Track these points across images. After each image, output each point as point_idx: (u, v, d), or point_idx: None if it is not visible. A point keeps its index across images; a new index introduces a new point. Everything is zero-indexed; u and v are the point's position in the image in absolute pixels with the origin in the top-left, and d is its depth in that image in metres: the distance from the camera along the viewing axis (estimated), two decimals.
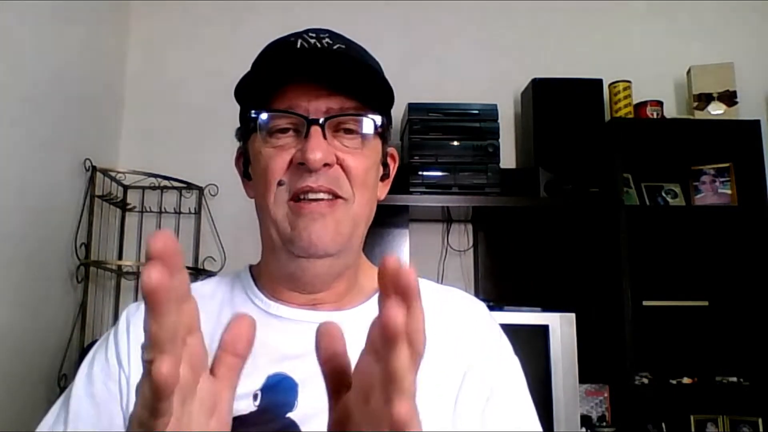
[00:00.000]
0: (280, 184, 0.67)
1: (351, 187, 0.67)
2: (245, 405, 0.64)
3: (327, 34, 0.70)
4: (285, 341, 0.68)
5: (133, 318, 0.73)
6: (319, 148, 0.64)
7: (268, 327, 0.70)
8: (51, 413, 0.70)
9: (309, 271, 0.69)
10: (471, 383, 0.69)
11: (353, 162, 0.67)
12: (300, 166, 0.66)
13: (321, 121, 0.66)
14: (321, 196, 0.66)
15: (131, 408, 0.66)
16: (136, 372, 0.68)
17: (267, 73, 0.68)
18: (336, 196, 0.66)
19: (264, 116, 0.67)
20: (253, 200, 0.74)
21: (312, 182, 0.65)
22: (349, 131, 0.68)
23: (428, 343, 0.70)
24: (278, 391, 0.65)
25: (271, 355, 0.67)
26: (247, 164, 0.74)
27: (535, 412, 0.72)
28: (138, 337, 0.71)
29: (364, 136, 0.68)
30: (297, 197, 0.66)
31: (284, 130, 0.67)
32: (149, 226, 2.22)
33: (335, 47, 0.68)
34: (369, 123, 0.69)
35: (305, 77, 0.66)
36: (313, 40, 0.68)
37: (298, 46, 0.68)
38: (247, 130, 0.71)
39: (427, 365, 0.68)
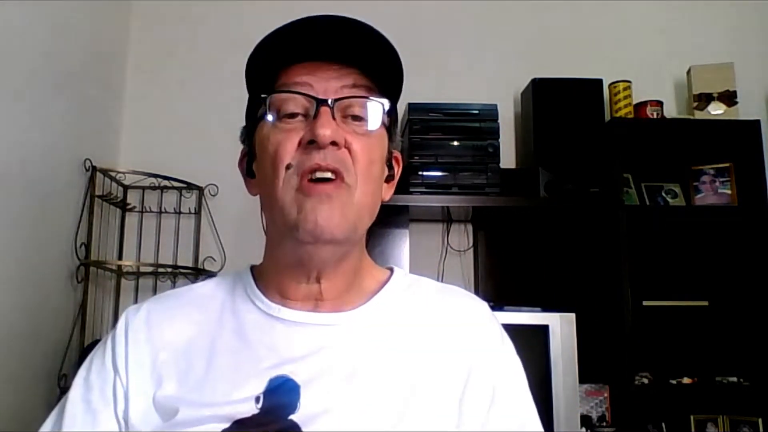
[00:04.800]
0: (288, 167, 0.66)
1: (355, 173, 0.67)
2: (247, 408, 0.64)
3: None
4: (287, 344, 0.69)
5: (132, 321, 0.73)
6: (328, 125, 0.65)
7: (270, 330, 0.70)
8: (51, 416, 0.71)
9: (315, 256, 0.69)
10: (474, 385, 0.69)
11: (359, 147, 0.68)
12: (309, 146, 0.66)
13: (330, 102, 0.66)
14: (328, 175, 0.66)
15: (129, 414, 0.66)
16: (133, 378, 0.68)
17: (275, 48, 0.68)
18: (341, 180, 0.66)
19: (273, 96, 0.68)
20: (254, 199, 0.75)
21: (320, 160, 0.65)
22: (356, 118, 0.68)
23: (430, 343, 0.71)
24: (280, 394, 0.65)
25: (273, 358, 0.67)
26: (251, 162, 0.74)
27: (537, 414, 0.72)
28: (137, 341, 0.71)
29: (370, 123, 0.69)
30: (304, 178, 0.66)
31: (293, 115, 0.68)
32: (149, 226, 2.22)
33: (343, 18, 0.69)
34: (376, 107, 0.69)
35: (313, 51, 0.67)
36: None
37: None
38: (254, 119, 0.72)
39: (429, 366, 0.69)
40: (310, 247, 0.68)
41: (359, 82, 0.68)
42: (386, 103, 0.70)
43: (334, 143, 0.65)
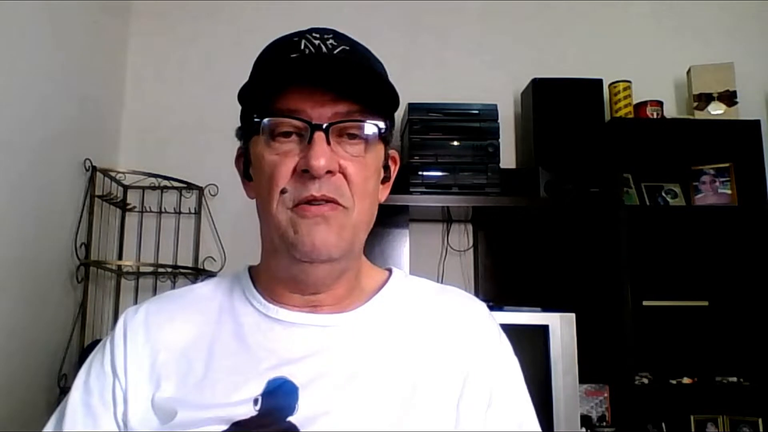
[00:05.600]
0: (283, 192, 0.66)
1: (351, 195, 0.67)
2: (245, 410, 0.64)
3: (331, 35, 0.69)
4: (285, 345, 0.69)
5: (131, 323, 0.73)
6: (323, 155, 0.64)
7: (269, 331, 0.70)
8: (51, 420, 0.71)
9: (311, 275, 0.69)
10: (472, 387, 0.69)
11: (355, 170, 0.67)
12: (303, 174, 0.65)
13: (324, 126, 0.65)
14: (322, 203, 0.66)
15: (128, 418, 0.66)
16: (132, 380, 0.68)
17: (270, 77, 0.67)
18: (337, 203, 0.66)
19: (266, 120, 0.67)
20: (253, 201, 0.74)
21: (315, 191, 0.65)
22: (352, 136, 0.68)
23: (429, 344, 0.71)
24: (279, 396, 0.65)
25: (271, 360, 0.67)
26: (247, 165, 0.73)
27: (535, 413, 0.72)
28: (135, 343, 0.71)
29: (367, 142, 0.68)
30: (299, 204, 0.66)
31: (287, 134, 0.67)
32: (149, 226, 2.22)
33: (339, 49, 0.68)
34: (372, 128, 0.68)
35: (309, 82, 0.66)
36: (317, 41, 0.68)
37: (302, 47, 0.67)
38: (248, 131, 0.71)
39: (427, 367, 0.69)
40: (306, 265, 0.68)
41: (353, 108, 0.67)
42: (381, 124, 0.69)
43: (328, 171, 0.65)
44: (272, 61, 0.70)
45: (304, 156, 0.65)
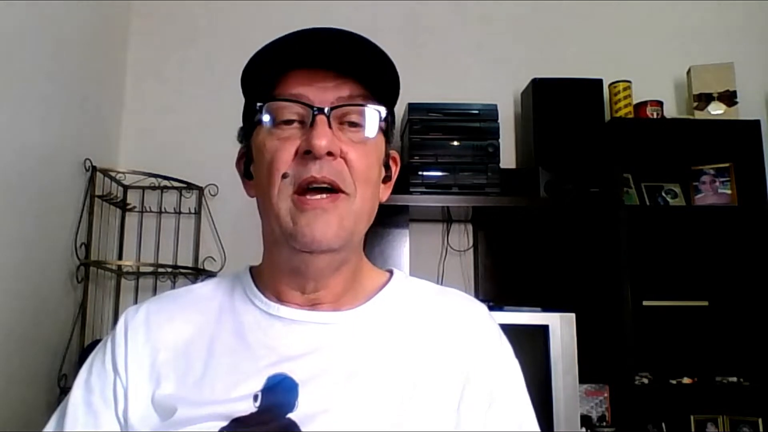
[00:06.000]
0: (284, 176, 0.67)
1: (353, 181, 0.67)
2: (245, 406, 0.64)
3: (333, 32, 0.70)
4: (285, 342, 0.69)
5: (132, 322, 0.73)
6: (324, 136, 0.65)
7: (269, 328, 0.70)
8: (52, 419, 0.71)
9: (311, 265, 0.69)
10: (473, 390, 0.69)
11: (356, 156, 0.68)
12: (305, 156, 0.66)
13: (326, 110, 0.66)
14: (324, 186, 0.66)
15: (129, 415, 0.66)
16: (133, 378, 0.69)
17: (270, 60, 0.68)
18: (338, 190, 0.66)
19: (268, 105, 0.67)
20: (253, 200, 0.75)
21: (316, 172, 0.65)
22: (353, 124, 0.68)
23: (429, 344, 0.71)
24: (278, 392, 0.65)
25: (271, 357, 0.67)
26: (248, 164, 0.74)
27: (535, 416, 0.72)
28: (136, 342, 0.71)
29: (367, 130, 0.69)
30: (301, 190, 0.66)
31: (289, 122, 0.67)
32: (149, 226, 2.22)
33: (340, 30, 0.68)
34: (374, 114, 0.69)
35: (310, 62, 0.66)
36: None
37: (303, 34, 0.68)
38: (251, 124, 0.71)
39: (428, 368, 0.69)
40: (306, 255, 0.68)
41: (355, 92, 0.68)
42: (383, 110, 0.70)
43: (330, 153, 0.65)
44: (274, 43, 0.69)
45: (305, 138, 0.66)
